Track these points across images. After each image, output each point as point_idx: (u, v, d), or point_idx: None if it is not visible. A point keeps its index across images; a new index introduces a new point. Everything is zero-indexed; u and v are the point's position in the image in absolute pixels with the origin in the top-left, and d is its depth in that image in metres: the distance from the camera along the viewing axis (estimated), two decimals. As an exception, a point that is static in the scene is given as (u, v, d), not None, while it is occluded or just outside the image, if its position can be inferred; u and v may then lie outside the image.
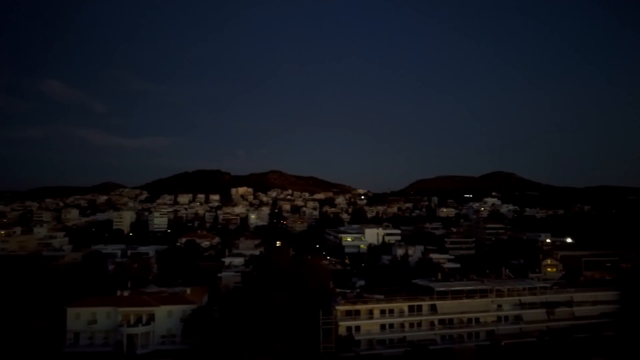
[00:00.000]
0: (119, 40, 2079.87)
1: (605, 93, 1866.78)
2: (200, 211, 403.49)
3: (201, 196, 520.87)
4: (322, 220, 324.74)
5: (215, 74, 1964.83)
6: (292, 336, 74.54)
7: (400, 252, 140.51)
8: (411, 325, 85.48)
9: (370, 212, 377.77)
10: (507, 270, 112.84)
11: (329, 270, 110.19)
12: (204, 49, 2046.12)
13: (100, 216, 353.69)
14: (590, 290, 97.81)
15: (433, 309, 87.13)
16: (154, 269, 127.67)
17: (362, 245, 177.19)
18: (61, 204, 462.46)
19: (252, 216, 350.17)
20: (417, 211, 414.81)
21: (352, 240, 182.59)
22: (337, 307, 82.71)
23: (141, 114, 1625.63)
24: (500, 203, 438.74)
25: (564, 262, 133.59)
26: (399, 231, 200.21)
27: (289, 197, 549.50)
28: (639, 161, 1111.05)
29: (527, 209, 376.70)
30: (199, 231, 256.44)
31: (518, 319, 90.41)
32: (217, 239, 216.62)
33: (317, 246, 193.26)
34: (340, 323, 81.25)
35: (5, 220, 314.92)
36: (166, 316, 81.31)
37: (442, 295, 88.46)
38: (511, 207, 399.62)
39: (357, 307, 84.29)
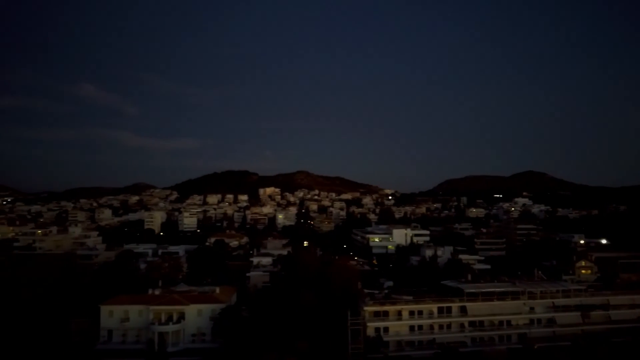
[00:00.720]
0: (150, 45, 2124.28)
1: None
2: (229, 211, 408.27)
3: (230, 196, 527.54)
4: (349, 221, 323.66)
5: (243, 76, 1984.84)
6: (320, 336, 74.48)
7: (429, 252, 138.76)
8: (441, 327, 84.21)
9: (398, 213, 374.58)
10: (540, 272, 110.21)
11: (357, 271, 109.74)
12: (232, 51, 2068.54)
13: (132, 216, 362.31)
14: (627, 293, 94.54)
15: (463, 310, 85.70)
16: (184, 268, 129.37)
17: (390, 246, 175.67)
18: (95, 204, 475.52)
19: (280, 216, 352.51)
20: (446, 211, 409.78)
21: (380, 241, 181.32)
22: (366, 308, 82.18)
23: (171, 116, 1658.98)
24: (531, 203, 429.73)
25: (599, 264, 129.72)
26: (427, 232, 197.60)
27: (315, 197, 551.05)
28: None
29: (560, 210, 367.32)
30: (227, 231, 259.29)
31: (551, 322, 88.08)
32: (245, 239, 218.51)
33: (344, 246, 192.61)
34: (368, 324, 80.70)
35: (42, 220, 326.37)
36: (196, 315, 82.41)
37: (473, 297, 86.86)
38: (543, 207, 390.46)
39: (386, 308, 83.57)
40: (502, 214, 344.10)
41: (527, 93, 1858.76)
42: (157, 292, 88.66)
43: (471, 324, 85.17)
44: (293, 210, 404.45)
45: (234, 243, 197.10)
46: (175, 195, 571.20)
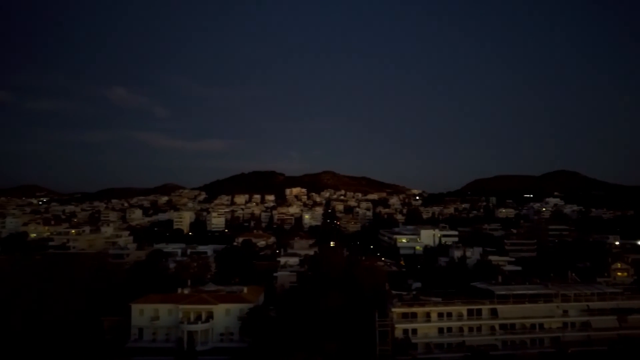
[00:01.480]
0: (179, 48, 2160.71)
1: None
2: (256, 211, 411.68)
3: (257, 196, 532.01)
4: (375, 221, 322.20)
5: (270, 77, 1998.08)
6: (347, 337, 74.19)
7: (457, 253, 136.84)
8: (470, 329, 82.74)
9: (426, 213, 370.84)
10: (573, 274, 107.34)
11: (385, 272, 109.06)
12: (259, 52, 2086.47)
13: (161, 216, 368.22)
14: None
15: (494, 313, 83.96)
16: (212, 268, 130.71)
17: (417, 247, 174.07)
18: (126, 204, 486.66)
19: (306, 216, 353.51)
20: (475, 212, 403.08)
21: (408, 242, 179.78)
22: (393, 309, 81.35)
23: (200, 118, 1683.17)
24: (563, 203, 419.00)
25: (635, 266, 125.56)
26: (456, 232, 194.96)
27: (341, 197, 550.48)
28: None
29: (593, 210, 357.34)
30: (255, 231, 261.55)
31: (586, 325, 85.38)
32: (272, 239, 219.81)
33: (371, 247, 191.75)
34: (396, 325, 79.84)
35: (76, 220, 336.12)
36: (224, 314, 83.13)
37: (503, 299, 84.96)
38: (575, 207, 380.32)
39: (414, 309, 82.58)
40: (533, 214, 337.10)
41: (559, 91, 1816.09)
42: (186, 291, 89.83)
43: (502, 326, 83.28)
44: (319, 210, 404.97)
45: (261, 243, 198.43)
46: (203, 196, 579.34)
